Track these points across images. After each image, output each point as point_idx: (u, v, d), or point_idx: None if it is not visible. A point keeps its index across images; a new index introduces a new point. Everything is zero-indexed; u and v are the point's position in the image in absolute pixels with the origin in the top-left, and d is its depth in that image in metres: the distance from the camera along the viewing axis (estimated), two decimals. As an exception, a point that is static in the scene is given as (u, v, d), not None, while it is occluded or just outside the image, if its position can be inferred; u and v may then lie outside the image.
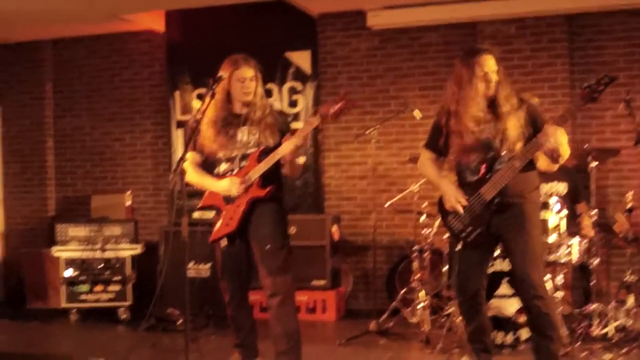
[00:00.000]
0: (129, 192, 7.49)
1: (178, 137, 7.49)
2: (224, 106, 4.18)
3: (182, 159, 4.00)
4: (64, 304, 6.57)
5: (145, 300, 6.41)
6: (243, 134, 4.18)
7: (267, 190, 4.11)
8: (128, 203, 7.33)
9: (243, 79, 4.14)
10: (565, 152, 3.85)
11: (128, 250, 6.62)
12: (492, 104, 3.91)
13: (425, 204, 5.86)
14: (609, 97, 5.58)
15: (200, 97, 7.23)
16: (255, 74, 4.19)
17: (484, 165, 3.91)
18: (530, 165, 3.98)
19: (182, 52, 7.44)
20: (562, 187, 5.67)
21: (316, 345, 5.25)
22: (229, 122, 4.18)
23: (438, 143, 4.08)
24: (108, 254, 6.60)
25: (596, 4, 6.47)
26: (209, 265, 6.33)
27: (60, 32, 7.69)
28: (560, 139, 3.75)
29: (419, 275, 5.75)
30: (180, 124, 7.48)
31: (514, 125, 3.85)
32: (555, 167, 5.45)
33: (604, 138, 6.54)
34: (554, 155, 3.85)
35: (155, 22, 7.50)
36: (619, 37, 6.63)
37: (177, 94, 7.52)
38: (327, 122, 4.19)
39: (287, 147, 4.03)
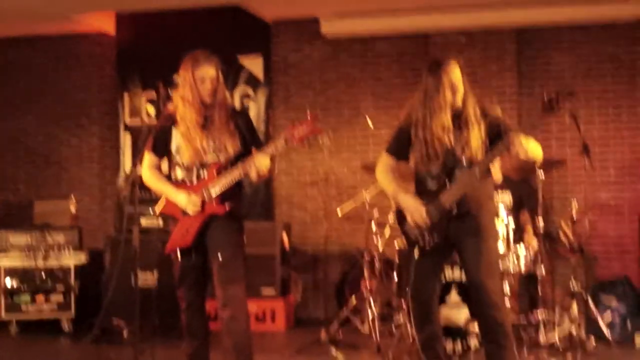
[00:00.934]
0: (73, 198, 7.29)
1: (126, 141, 7.35)
2: (200, 106, 3.99)
3: (135, 165, 3.91)
4: (3, 316, 6.31)
5: (89, 311, 6.23)
6: (202, 139, 4.03)
7: (225, 208, 4.01)
8: (73, 209, 7.13)
9: (203, 79, 3.97)
10: (538, 152, 3.88)
11: (72, 259, 6.42)
12: (456, 114, 3.94)
13: (376, 212, 5.87)
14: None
15: (152, 102, 7.12)
16: (217, 74, 4.01)
17: (444, 174, 3.93)
18: (487, 174, 4.02)
19: (133, 55, 7.32)
20: (506, 197, 5.75)
21: (266, 355, 5.19)
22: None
23: (400, 149, 4.08)
24: (51, 263, 6.37)
25: (543, 18, 6.65)
26: (155, 274, 6.18)
27: (3, 32, 7.47)
28: (524, 143, 3.77)
29: (369, 284, 5.75)
30: (129, 128, 7.35)
31: (476, 136, 3.89)
32: (500, 178, 5.56)
33: (549, 150, 6.67)
34: (527, 161, 3.89)
35: (105, 24, 7.37)
36: (565, 51, 6.83)
37: (126, 97, 7.38)
38: (291, 146, 4.12)
39: (247, 168, 3.92)
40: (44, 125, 7.74)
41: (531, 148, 3.82)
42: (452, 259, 4.64)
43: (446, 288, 5.00)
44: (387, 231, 5.76)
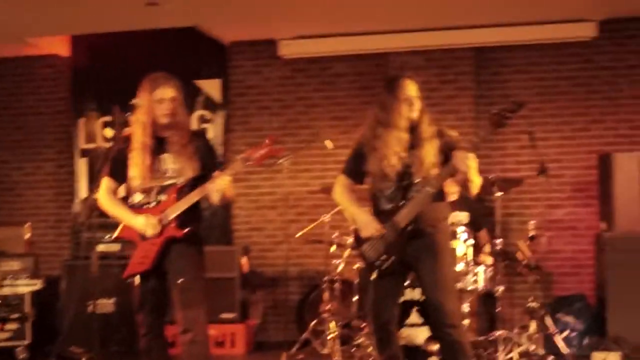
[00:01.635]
0: (28, 224, 7.14)
1: (82, 166, 7.24)
2: (152, 130, 3.98)
3: (92, 190, 3.85)
4: (-43, 345, 6.15)
5: (45, 339, 6.10)
6: (162, 162, 4.01)
7: (184, 232, 3.97)
8: (27, 236, 6.98)
9: (162, 99, 3.94)
10: (475, 177, 3.88)
11: (27, 287, 6.27)
12: (412, 129, 3.94)
13: (336, 234, 5.85)
14: (510, 129, 5.77)
15: (112, 124, 7.04)
16: (176, 95, 3.99)
17: (399, 194, 3.93)
18: (442, 196, 4.03)
19: (88, 78, 7.22)
20: (463, 217, 5.77)
21: (226, 381, 5.13)
22: (154, 148, 3.99)
23: (356, 169, 4.07)
24: (5, 291, 6.21)
25: (500, 38, 6.74)
26: (112, 300, 6.09)
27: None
28: (470, 163, 3.79)
29: (329, 305, 5.72)
30: (85, 153, 7.24)
31: (430, 153, 3.89)
32: (455, 196, 5.57)
33: (505, 169, 6.74)
34: (465, 183, 3.89)
35: (60, 46, 7.26)
36: (521, 71, 6.90)
37: (81, 121, 7.28)
38: (250, 167, 4.12)
39: (209, 191, 3.90)
40: (-3, 150, 7.61)
41: (473, 168, 3.84)
42: (412, 280, 4.64)
43: (406, 308, 5.00)
44: (346, 253, 5.73)
